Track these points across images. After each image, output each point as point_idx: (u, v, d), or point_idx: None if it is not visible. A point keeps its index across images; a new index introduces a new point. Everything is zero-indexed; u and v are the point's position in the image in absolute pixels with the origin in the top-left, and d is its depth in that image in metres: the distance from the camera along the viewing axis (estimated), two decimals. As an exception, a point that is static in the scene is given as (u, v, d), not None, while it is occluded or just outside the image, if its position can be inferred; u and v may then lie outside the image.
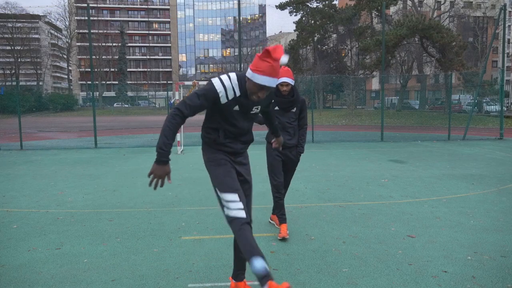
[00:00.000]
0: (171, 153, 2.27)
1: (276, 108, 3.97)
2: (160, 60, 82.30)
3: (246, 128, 2.49)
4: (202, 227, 4.35)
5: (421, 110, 30.54)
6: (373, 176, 7.27)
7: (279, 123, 3.96)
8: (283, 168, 4.09)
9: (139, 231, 4.24)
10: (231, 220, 2.28)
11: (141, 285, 2.97)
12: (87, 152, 11.68)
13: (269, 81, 2.18)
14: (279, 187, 4.01)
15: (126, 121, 30.63)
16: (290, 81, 3.87)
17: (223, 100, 2.29)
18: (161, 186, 2.25)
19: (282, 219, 4.03)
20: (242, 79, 2.32)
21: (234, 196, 2.32)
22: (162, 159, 2.21)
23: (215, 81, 2.29)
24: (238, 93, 2.31)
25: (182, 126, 2.41)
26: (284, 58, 2.18)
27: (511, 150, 10.98)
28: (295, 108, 4.00)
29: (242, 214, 2.27)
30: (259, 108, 2.45)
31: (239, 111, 2.37)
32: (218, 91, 2.26)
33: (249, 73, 2.25)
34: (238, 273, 2.71)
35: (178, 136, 10.93)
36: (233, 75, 2.33)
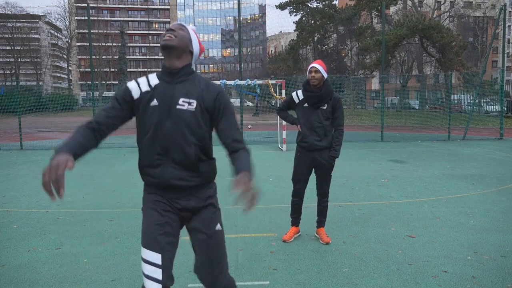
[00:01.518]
0: None
1: (306, 105, 3.64)
2: (160, 60, 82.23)
3: (174, 132, 1.77)
4: (202, 227, 4.34)
5: (421, 110, 30.50)
6: (373, 176, 7.27)
7: (306, 121, 3.64)
8: (315, 174, 3.80)
9: (139, 231, 4.20)
10: None
11: (141, 285, 2.96)
12: (87, 152, 11.67)
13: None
14: (297, 194, 3.87)
15: (126, 121, 30.58)
16: (320, 68, 3.54)
17: (136, 93, 1.82)
18: None
19: (294, 222, 3.98)
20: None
21: (155, 257, 1.88)
22: None
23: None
24: (155, 81, 1.83)
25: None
26: None
27: (511, 150, 10.98)
28: (325, 106, 3.61)
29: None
30: (193, 105, 1.77)
31: (157, 105, 1.78)
32: (129, 86, 1.86)
33: None
34: None
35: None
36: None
